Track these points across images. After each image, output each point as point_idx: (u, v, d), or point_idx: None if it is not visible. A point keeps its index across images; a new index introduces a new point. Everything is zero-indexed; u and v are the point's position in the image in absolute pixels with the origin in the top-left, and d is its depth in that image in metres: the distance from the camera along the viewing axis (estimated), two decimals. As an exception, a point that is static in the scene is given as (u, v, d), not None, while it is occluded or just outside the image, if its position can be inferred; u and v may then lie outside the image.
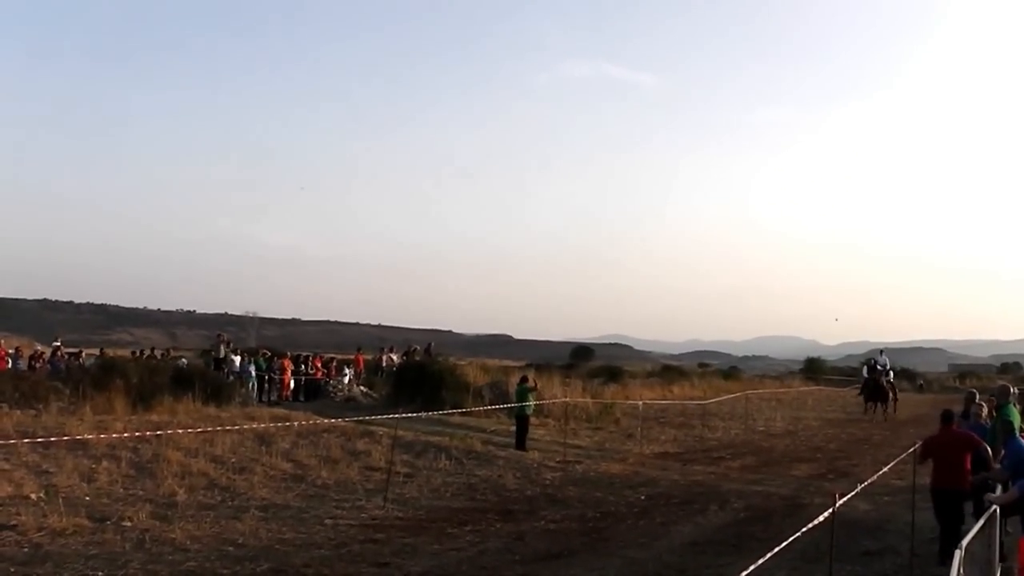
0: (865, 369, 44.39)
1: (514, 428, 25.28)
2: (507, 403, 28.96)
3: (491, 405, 29.19)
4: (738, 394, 41.72)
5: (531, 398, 25.38)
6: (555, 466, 21.76)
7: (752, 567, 7.07)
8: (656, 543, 13.78)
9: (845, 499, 9.99)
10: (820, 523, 8.89)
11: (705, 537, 14.33)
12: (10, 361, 31.58)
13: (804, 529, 8.71)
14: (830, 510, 8.98)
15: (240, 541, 12.85)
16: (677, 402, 37.78)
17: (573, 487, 19.13)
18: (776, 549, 7.84)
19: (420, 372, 33.73)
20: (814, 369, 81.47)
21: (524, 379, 27.18)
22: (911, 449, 15.02)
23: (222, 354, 35.34)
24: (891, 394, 41.82)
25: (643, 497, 17.99)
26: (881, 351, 45.83)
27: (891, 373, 43.64)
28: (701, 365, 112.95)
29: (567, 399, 30.38)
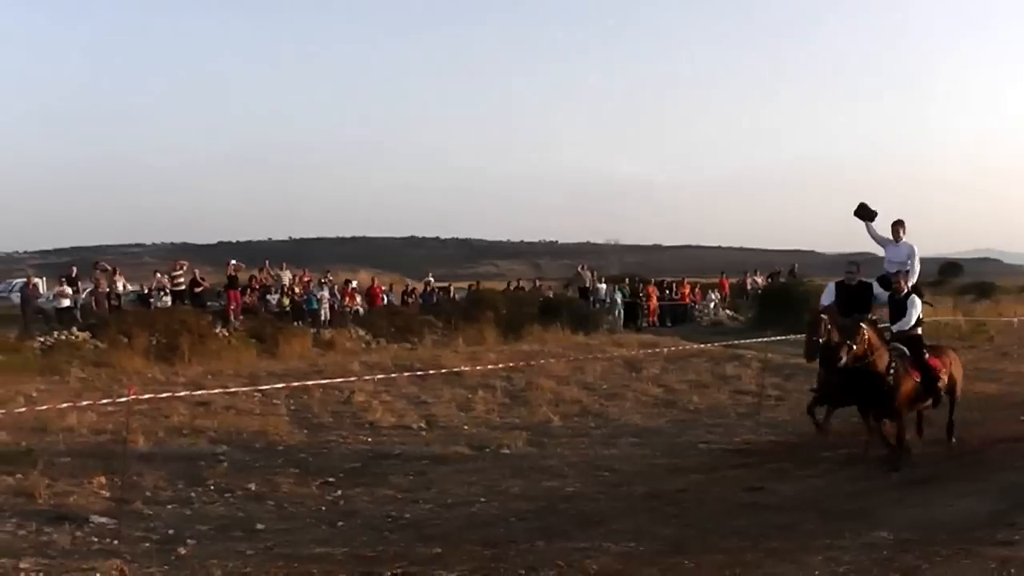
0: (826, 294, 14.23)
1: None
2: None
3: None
4: None
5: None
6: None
7: None
8: (1034, 467, 12.66)
9: None
10: None
11: (1092, 460, 13.01)
12: (384, 297, 33.38)
13: None
14: None
15: (615, 467, 12.88)
16: (1056, 318, 34.84)
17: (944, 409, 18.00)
18: None
19: (785, 294, 33.00)
20: None
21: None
22: None
23: (587, 283, 36.11)
24: (896, 371, 12.49)
25: (1021, 418, 16.64)
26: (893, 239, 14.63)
27: (916, 306, 13.24)
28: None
29: (936, 318, 28.74)
